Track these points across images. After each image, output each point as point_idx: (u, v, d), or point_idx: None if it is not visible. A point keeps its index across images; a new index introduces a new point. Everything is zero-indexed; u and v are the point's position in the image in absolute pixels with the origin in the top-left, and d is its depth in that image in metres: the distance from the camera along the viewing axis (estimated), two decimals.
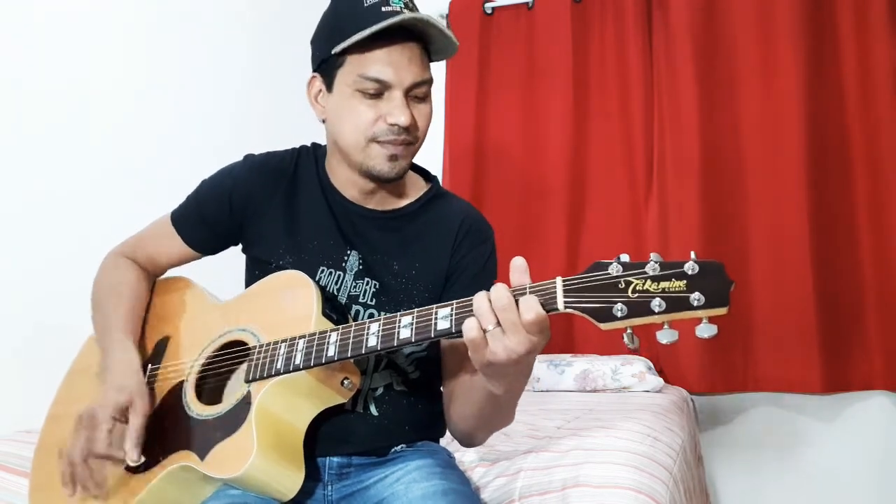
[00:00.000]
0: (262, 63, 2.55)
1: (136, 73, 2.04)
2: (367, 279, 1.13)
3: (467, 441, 1.17)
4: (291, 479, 0.98)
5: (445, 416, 1.17)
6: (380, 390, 1.12)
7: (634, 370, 2.32)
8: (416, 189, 1.22)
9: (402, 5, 1.05)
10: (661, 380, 2.33)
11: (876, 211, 2.41)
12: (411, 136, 1.09)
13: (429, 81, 1.10)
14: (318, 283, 1.10)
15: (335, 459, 1.09)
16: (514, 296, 0.83)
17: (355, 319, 1.12)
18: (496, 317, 0.82)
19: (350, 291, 1.13)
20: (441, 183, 1.28)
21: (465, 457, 1.43)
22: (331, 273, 1.13)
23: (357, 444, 1.10)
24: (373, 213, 1.17)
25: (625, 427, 1.56)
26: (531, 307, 0.81)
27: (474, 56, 2.90)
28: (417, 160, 1.24)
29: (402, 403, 1.14)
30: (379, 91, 1.06)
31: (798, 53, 2.48)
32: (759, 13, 2.56)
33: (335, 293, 1.13)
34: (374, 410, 1.12)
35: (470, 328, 0.83)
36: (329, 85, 1.11)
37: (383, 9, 1.03)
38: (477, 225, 1.20)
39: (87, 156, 1.86)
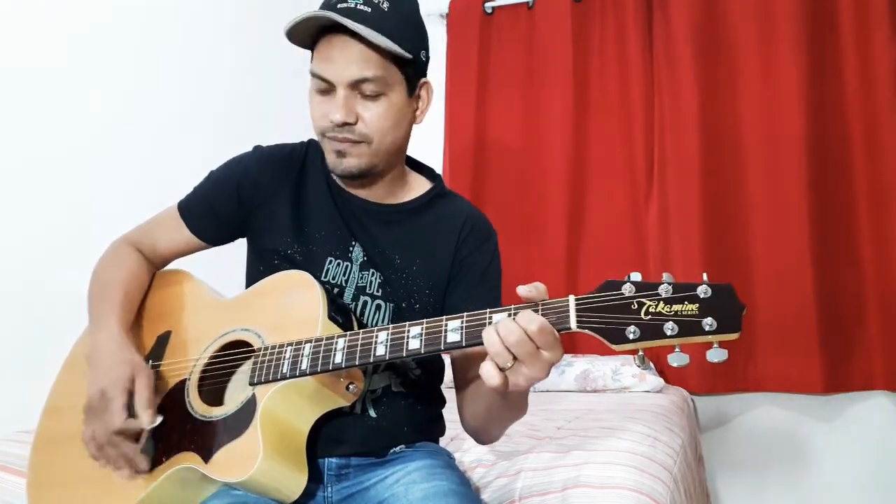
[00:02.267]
0: (267, 59, 2.55)
1: (136, 69, 2.04)
2: (371, 270, 1.14)
3: (482, 438, 1.17)
4: (295, 482, 0.99)
5: (459, 415, 1.17)
6: (378, 392, 1.13)
7: (635, 370, 2.32)
8: (419, 187, 1.22)
9: (360, 2, 1.04)
10: (661, 380, 2.33)
11: (876, 210, 2.41)
12: (355, 135, 1.07)
13: (375, 79, 1.06)
14: (326, 274, 1.11)
15: (334, 460, 1.09)
16: (525, 310, 0.82)
17: (362, 312, 1.12)
18: (511, 353, 0.82)
19: (357, 283, 1.13)
20: None
21: (466, 457, 1.43)
22: (339, 264, 1.14)
23: (355, 446, 1.10)
24: (375, 207, 1.17)
25: (625, 427, 1.56)
26: (531, 320, 0.80)
27: (474, 56, 2.90)
28: (418, 157, 1.25)
29: (400, 405, 1.14)
30: (327, 88, 1.07)
31: (799, 53, 2.48)
32: (760, 13, 2.56)
33: (343, 284, 1.13)
34: (372, 412, 1.12)
35: (490, 376, 0.83)
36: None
37: (339, 6, 1.04)
38: (480, 224, 1.21)
39: (87, 155, 1.86)
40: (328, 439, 1.07)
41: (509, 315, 0.84)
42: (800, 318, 2.40)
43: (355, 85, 1.06)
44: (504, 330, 0.81)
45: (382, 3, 1.06)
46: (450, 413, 1.25)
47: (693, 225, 2.55)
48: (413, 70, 1.11)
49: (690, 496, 1.55)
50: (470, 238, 1.18)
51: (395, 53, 1.06)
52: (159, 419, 1.00)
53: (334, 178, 1.18)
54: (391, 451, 1.13)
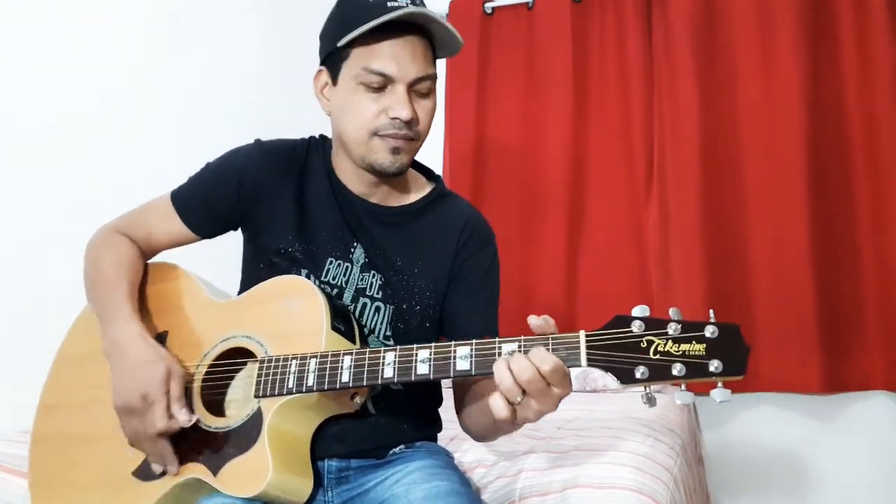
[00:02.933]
0: (270, 57, 2.54)
1: (135, 68, 2.04)
2: (372, 272, 1.14)
3: (482, 441, 1.19)
4: (301, 489, 1.00)
5: (458, 419, 1.18)
6: (378, 389, 1.13)
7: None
8: (420, 188, 1.22)
9: (408, 0, 1.05)
10: None
11: (876, 210, 2.41)
12: (412, 132, 1.08)
13: (432, 77, 1.10)
14: (326, 275, 1.11)
15: (333, 463, 1.09)
16: (537, 345, 0.84)
17: (362, 313, 1.12)
18: (521, 388, 0.83)
19: (357, 284, 1.13)
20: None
21: (466, 457, 1.43)
22: (339, 265, 1.14)
23: (355, 443, 1.10)
24: (376, 209, 1.17)
25: (625, 427, 1.56)
26: (545, 360, 0.82)
27: (474, 56, 2.90)
28: (418, 158, 1.25)
29: (399, 402, 1.14)
30: (382, 84, 1.06)
31: (798, 53, 2.48)
32: (759, 13, 2.56)
33: (343, 285, 1.13)
34: (371, 409, 1.12)
35: (499, 408, 0.85)
36: (335, 78, 1.11)
37: (388, 3, 1.03)
38: (480, 228, 1.21)
39: (89, 155, 1.86)
40: (329, 438, 1.07)
41: (520, 348, 0.85)
42: (799, 318, 2.40)
43: (414, 83, 1.07)
44: (517, 367, 0.83)
45: (419, 2, 1.07)
46: (449, 413, 1.25)
47: (693, 225, 2.54)
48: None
49: (690, 496, 1.55)
50: (470, 241, 1.18)
51: (457, 49, 1.10)
52: (195, 418, 1.01)
53: (338, 178, 1.18)
54: (391, 451, 1.13)
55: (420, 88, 1.08)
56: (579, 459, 1.30)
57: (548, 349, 0.84)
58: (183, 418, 0.99)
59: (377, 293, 1.13)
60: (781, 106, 2.50)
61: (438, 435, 1.25)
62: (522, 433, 1.61)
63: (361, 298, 1.13)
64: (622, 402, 2.09)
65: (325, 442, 1.07)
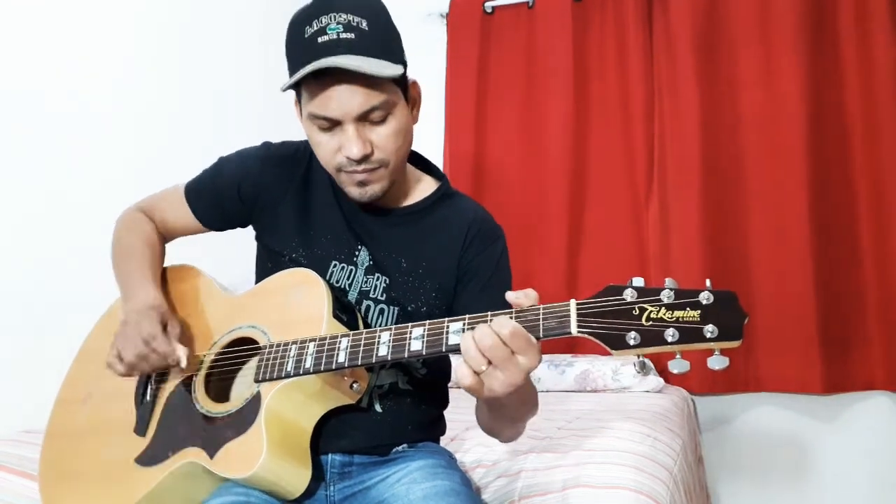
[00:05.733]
0: (270, 63, 2.55)
1: (141, 74, 2.04)
2: (377, 275, 1.14)
3: (498, 439, 1.18)
4: (299, 479, 1.00)
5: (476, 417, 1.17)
6: (385, 387, 1.13)
7: (635, 370, 2.31)
8: (425, 187, 1.21)
9: (340, 30, 0.99)
10: (661, 380, 2.33)
11: (876, 210, 2.41)
12: (372, 163, 1.05)
13: (381, 105, 1.02)
14: (329, 278, 1.11)
15: (337, 458, 1.10)
16: (518, 317, 0.83)
17: (366, 315, 1.13)
18: (485, 357, 0.82)
19: (361, 287, 1.13)
20: None
21: (466, 457, 1.43)
22: (343, 268, 1.14)
23: (359, 440, 1.10)
24: (381, 211, 1.17)
25: (625, 427, 1.56)
26: (504, 324, 0.81)
27: (474, 56, 2.90)
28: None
29: (405, 402, 1.14)
30: (331, 126, 1.04)
31: (798, 53, 2.48)
32: (760, 13, 2.56)
33: (347, 288, 1.13)
34: (378, 407, 1.13)
35: (463, 376, 0.83)
36: (300, 112, 1.10)
37: (319, 40, 0.99)
38: (487, 225, 1.20)
39: (89, 159, 1.86)
40: (334, 433, 1.08)
41: (510, 319, 0.84)
42: (800, 318, 2.41)
43: (363, 116, 1.03)
44: (478, 334, 0.82)
45: (361, 24, 1.01)
46: (450, 413, 1.25)
47: (693, 225, 2.55)
48: (403, 78, 1.08)
49: (690, 496, 1.55)
50: (476, 241, 1.17)
51: (394, 77, 1.02)
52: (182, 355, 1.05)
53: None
54: (394, 449, 1.14)
55: (372, 118, 1.03)
56: (579, 459, 1.30)
57: (511, 317, 0.83)
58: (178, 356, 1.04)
59: (381, 295, 1.13)
60: (782, 105, 2.50)
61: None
62: (522, 433, 1.61)
63: (365, 301, 1.13)
64: (623, 402, 2.09)
65: (329, 436, 1.08)
